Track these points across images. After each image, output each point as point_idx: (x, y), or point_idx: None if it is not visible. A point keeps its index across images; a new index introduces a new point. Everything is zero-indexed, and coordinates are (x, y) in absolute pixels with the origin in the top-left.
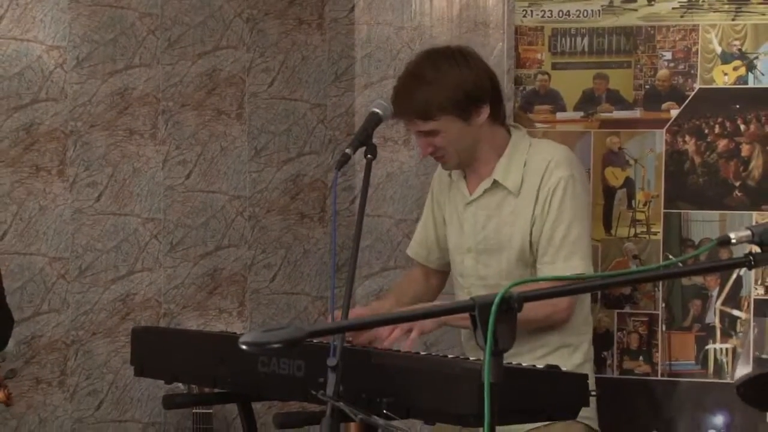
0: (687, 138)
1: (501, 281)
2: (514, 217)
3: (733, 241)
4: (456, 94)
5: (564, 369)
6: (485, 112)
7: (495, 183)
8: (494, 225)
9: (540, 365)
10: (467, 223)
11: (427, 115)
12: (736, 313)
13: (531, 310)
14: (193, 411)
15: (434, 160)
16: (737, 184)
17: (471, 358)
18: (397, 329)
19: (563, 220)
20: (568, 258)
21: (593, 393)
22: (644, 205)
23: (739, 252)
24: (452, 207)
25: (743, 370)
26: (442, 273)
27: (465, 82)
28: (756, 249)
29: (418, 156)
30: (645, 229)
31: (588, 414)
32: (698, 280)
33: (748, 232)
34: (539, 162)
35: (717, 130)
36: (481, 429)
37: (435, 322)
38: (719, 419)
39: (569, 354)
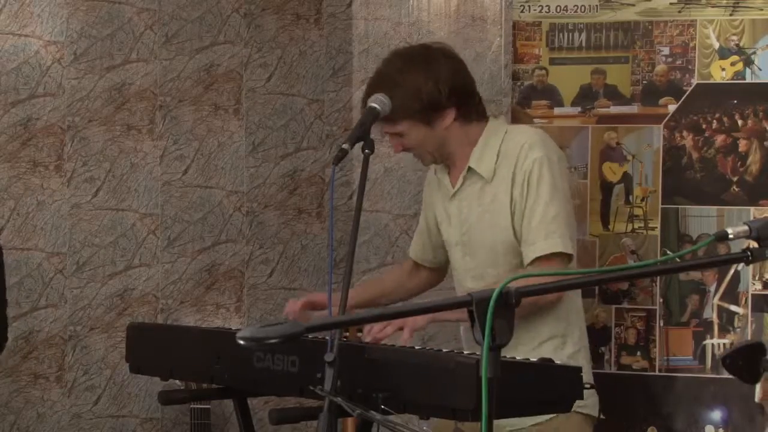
0: (685, 133)
1: (487, 269)
2: (495, 204)
3: (731, 236)
4: (414, 102)
5: (558, 361)
6: (450, 116)
7: (470, 170)
8: (476, 215)
9: (533, 358)
10: (453, 217)
11: (390, 119)
12: (733, 308)
13: None
14: (191, 406)
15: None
16: (735, 179)
17: (466, 352)
18: (389, 326)
19: (541, 200)
20: (547, 237)
21: (587, 386)
22: (642, 200)
23: (736, 247)
24: (441, 204)
25: None
26: (437, 270)
27: (422, 90)
28: (753, 244)
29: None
30: (643, 225)
31: (586, 403)
32: (696, 275)
33: (746, 228)
34: (513, 146)
35: (715, 125)
36: (474, 423)
37: (426, 318)
38: (717, 414)
39: (561, 344)
